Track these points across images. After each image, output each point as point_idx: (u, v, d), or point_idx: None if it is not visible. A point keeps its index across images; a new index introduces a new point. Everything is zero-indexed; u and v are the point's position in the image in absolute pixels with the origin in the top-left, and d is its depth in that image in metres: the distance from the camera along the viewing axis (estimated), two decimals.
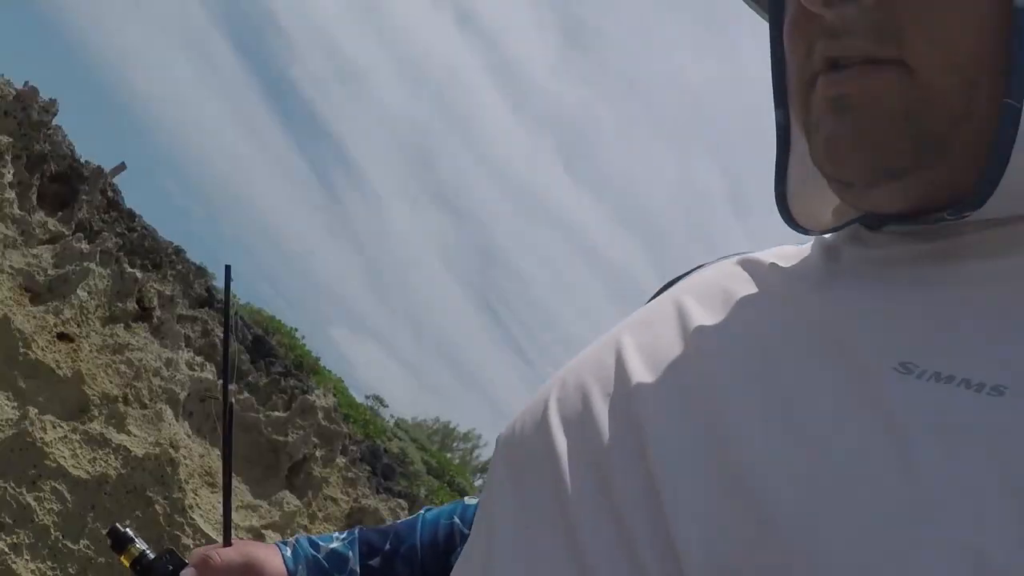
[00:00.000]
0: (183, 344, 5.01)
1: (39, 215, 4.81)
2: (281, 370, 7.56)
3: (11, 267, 4.18)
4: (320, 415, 5.44)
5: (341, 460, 5.56)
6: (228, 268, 1.04)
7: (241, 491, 4.69)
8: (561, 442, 0.56)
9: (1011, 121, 0.48)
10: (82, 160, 5.47)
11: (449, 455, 17.22)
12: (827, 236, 0.64)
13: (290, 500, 4.69)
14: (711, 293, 0.63)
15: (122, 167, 7.35)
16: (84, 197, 5.40)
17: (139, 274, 4.81)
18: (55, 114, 5.05)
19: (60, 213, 5.14)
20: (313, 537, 1.05)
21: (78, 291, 4.26)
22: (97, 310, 4.37)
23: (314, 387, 7.37)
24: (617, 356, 0.60)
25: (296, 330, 11.85)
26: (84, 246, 4.49)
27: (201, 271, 7.60)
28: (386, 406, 13.83)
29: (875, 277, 0.56)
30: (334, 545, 1.02)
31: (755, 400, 0.50)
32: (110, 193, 6.25)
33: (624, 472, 0.51)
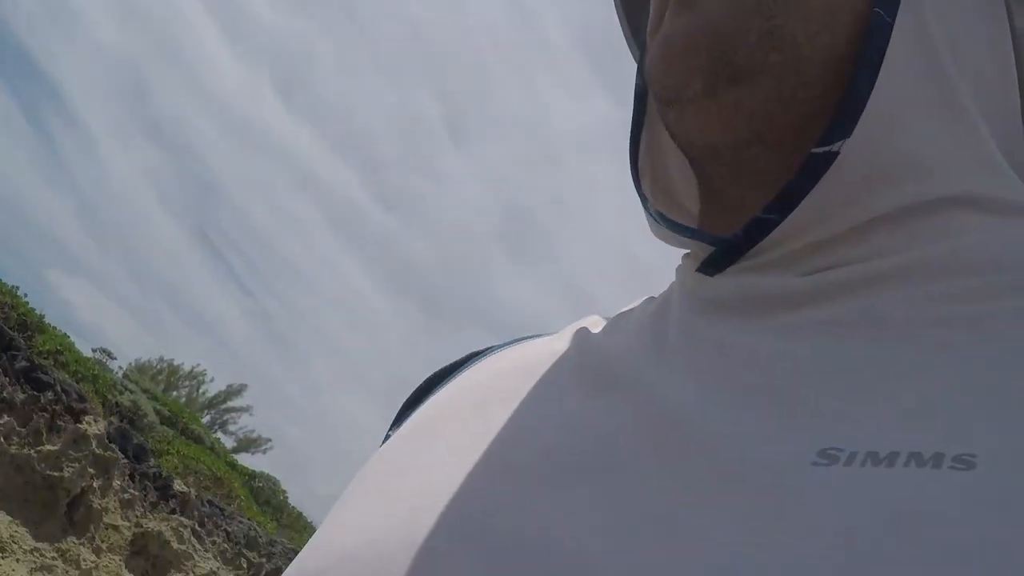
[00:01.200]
0: None
1: None
2: (25, 364, 7.38)
3: None
4: (94, 443, 5.59)
5: (116, 483, 5.75)
6: None
7: (20, 536, 4.77)
8: None
9: (880, 32, 0.42)
10: None
11: (175, 394, 17.05)
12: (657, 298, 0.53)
13: (71, 538, 4.87)
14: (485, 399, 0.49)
15: None
16: None
17: None
18: None
19: None
20: None
21: None
22: None
23: (65, 383, 7.28)
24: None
25: (17, 288, 11.21)
26: None
27: None
28: (114, 358, 13.48)
29: (739, 329, 0.43)
30: None
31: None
32: None
33: None
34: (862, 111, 0.41)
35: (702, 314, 0.46)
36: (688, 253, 0.52)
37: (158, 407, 13.32)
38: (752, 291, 0.44)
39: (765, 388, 0.38)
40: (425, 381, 0.59)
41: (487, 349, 0.59)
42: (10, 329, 10.07)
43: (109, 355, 13.42)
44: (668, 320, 0.47)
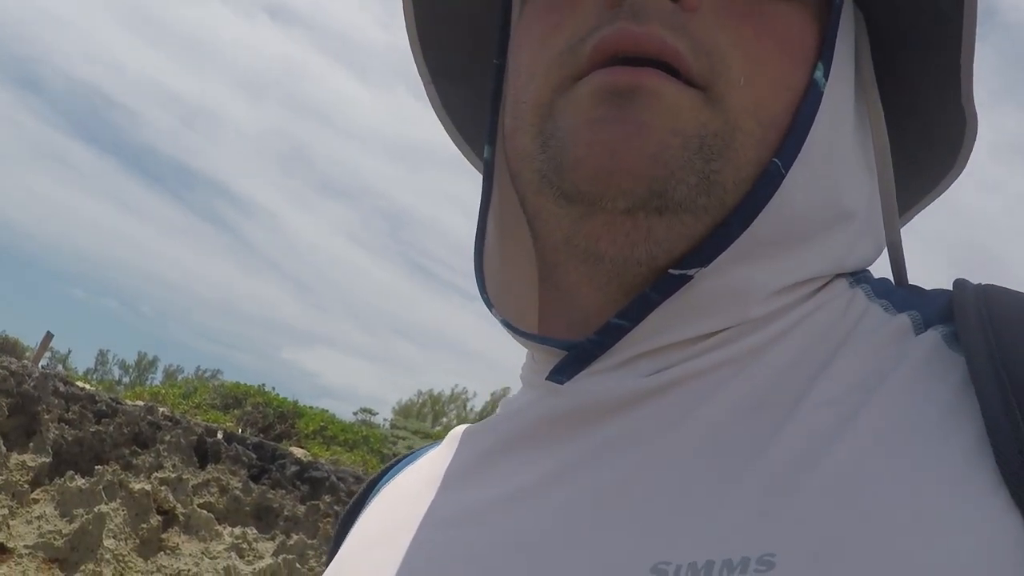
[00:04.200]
0: None
1: None
2: (296, 468, 7.25)
3: None
4: None
5: None
6: None
7: None
8: None
9: (771, 180, 0.46)
10: None
11: (444, 420, 17.20)
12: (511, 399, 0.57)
13: None
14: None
15: (49, 337, 6.77)
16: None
17: None
18: None
19: None
20: None
21: None
22: None
23: (339, 472, 7.11)
24: None
25: (263, 385, 11.47)
26: None
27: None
28: (375, 414, 13.65)
29: (584, 443, 0.46)
30: None
31: None
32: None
33: None
34: (725, 248, 0.46)
35: (550, 429, 0.48)
36: (531, 354, 0.55)
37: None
38: (599, 396, 0.47)
39: (604, 503, 0.43)
40: (344, 516, 0.63)
41: (389, 468, 0.64)
42: (271, 423, 10.27)
43: (370, 413, 13.63)
44: (516, 439, 0.50)
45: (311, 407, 11.78)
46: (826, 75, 0.49)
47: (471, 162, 0.67)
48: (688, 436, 0.44)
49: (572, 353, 0.49)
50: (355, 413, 13.51)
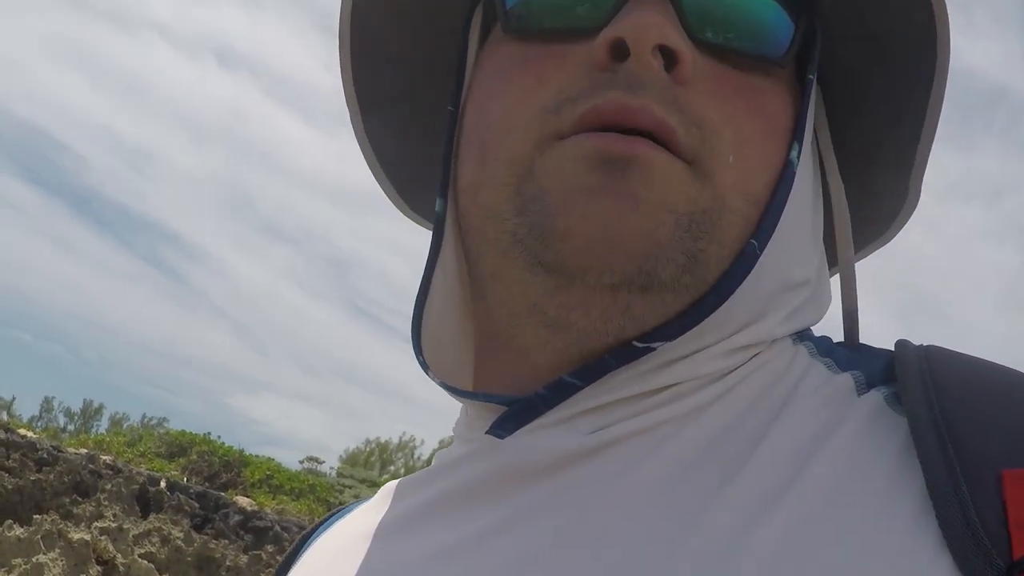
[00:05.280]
0: None
1: None
2: (239, 518, 7.22)
3: None
4: None
5: None
6: None
7: None
8: None
9: (747, 260, 0.47)
10: None
11: (392, 468, 17.07)
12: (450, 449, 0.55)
13: None
14: None
15: None
16: None
17: None
18: None
19: None
20: None
21: None
22: None
23: (282, 522, 7.08)
24: None
25: (209, 434, 11.37)
26: None
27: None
28: (322, 462, 13.53)
29: (523, 502, 0.45)
30: None
31: None
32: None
33: None
34: (695, 326, 0.46)
35: (488, 486, 0.47)
36: (466, 409, 0.54)
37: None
38: (538, 455, 0.46)
39: (541, 563, 0.42)
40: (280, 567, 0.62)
41: (322, 523, 0.62)
42: (217, 472, 10.17)
43: (317, 461, 13.53)
44: (453, 494, 0.48)
45: (257, 456, 11.70)
46: (799, 155, 0.50)
47: (398, 206, 0.66)
48: (625, 499, 0.43)
49: (515, 408, 0.48)
50: (301, 461, 13.41)
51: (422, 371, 0.53)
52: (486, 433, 0.48)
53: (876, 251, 0.64)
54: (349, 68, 0.60)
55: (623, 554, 0.41)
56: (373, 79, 0.61)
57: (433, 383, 0.53)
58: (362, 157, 0.64)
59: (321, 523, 0.63)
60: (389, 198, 0.66)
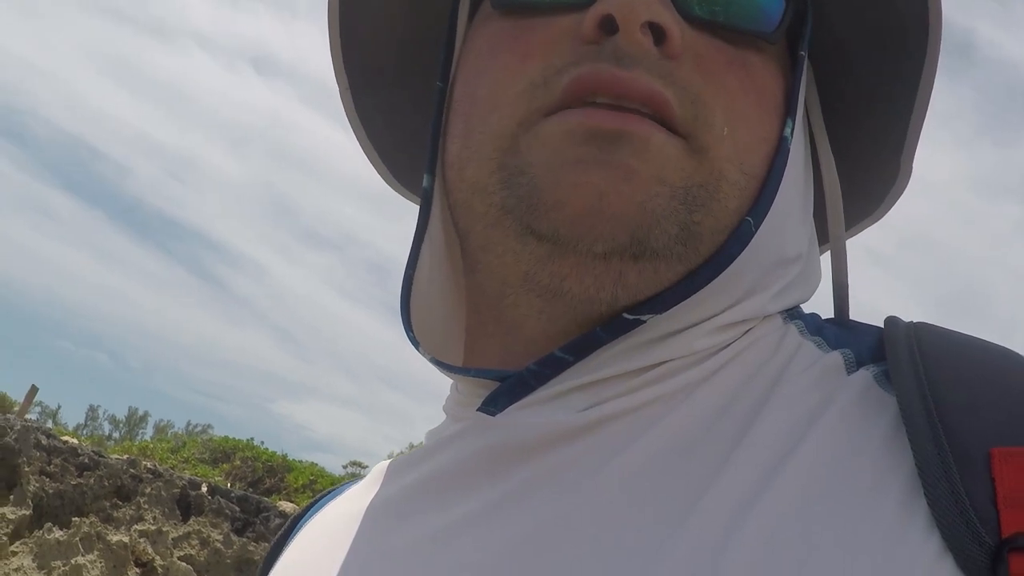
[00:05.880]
0: None
1: None
2: (279, 521, 7.22)
3: None
4: None
5: None
6: None
7: None
8: None
9: (743, 237, 0.47)
10: None
11: None
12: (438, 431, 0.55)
13: None
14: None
15: (34, 390, 6.80)
16: None
17: None
18: None
19: None
20: None
21: None
22: None
23: None
24: None
25: (253, 439, 11.44)
26: None
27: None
28: (366, 467, 13.57)
29: (517, 479, 0.45)
30: None
31: None
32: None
33: None
34: (687, 298, 0.46)
35: (480, 464, 0.47)
36: (455, 385, 0.54)
37: None
38: (530, 432, 0.46)
39: (535, 542, 0.42)
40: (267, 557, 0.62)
41: (312, 504, 0.62)
42: (260, 478, 10.22)
43: (360, 466, 13.56)
44: (445, 473, 0.48)
45: (300, 461, 11.75)
46: (792, 131, 0.50)
47: (389, 183, 0.67)
48: (618, 477, 0.43)
49: (507, 383, 0.48)
50: (344, 466, 13.44)
51: (413, 348, 0.53)
52: (477, 410, 0.49)
53: (866, 228, 0.65)
54: (338, 43, 0.60)
55: (617, 536, 0.41)
56: (363, 55, 0.61)
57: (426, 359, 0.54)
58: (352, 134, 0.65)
59: (312, 505, 0.62)
60: (378, 172, 0.67)
